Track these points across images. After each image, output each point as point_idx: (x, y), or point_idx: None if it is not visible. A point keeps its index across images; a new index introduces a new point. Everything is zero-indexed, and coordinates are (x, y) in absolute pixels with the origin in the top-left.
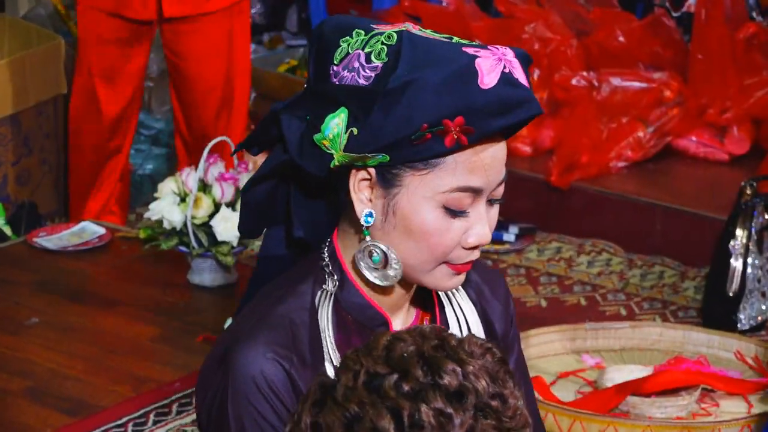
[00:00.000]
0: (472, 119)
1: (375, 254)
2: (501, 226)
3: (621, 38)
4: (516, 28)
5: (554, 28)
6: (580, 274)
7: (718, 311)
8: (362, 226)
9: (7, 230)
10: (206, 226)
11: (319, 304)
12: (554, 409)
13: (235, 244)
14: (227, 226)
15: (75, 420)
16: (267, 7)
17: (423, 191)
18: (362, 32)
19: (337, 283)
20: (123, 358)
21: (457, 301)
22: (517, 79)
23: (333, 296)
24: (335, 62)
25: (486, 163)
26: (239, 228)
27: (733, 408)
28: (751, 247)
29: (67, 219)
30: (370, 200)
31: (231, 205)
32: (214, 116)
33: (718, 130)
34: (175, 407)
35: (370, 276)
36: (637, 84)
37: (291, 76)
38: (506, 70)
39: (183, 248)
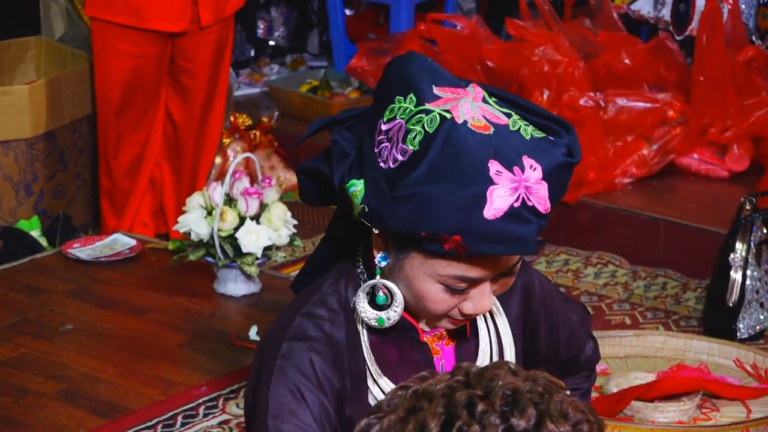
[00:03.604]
0: (468, 240)
1: (381, 294)
2: None
3: (626, 60)
4: (526, 50)
5: (563, 51)
6: (586, 285)
7: (718, 321)
8: (377, 266)
9: (43, 242)
10: (232, 238)
11: (357, 304)
12: None
13: (259, 255)
14: (251, 238)
15: (107, 421)
16: (289, 30)
17: (425, 269)
18: (414, 100)
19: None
20: (152, 362)
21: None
22: (531, 206)
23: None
24: (384, 119)
25: (487, 266)
26: (300, 197)
27: (732, 413)
28: (750, 260)
29: (99, 231)
30: (386, 248)
31: (255, 218)
32: (199, 122)
33: (719, 148)
34: (201, 410)
35: (365, 314)
36: (641, 104)
37: (312, 95)
38: (517, 204)
39: (209, 259)
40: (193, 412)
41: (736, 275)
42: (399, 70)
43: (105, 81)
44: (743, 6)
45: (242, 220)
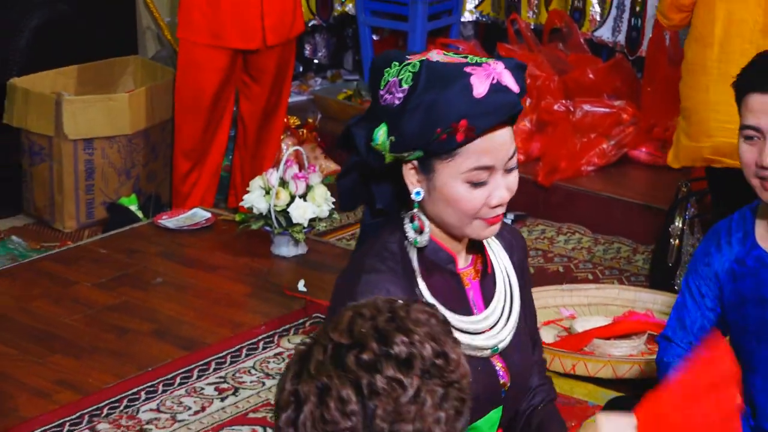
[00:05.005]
0: (473, 120)
1: (415, 222)
2: None
3: (591, 75)
4: None
5: (542, 68)
6: (558, 249)
7: (660, 277)
8: (414, 200)
9: (139, 214)
10: (284, 212)
11: (409, 248)
12: None
13: (305, 225)
14: (300, 212)
15: (188, 353)
16: (329, 51)
17: (450, 173)
18: (397, 63)
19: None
20: (223, 308)
21: (495, 250)
22: (505, 85)
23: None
24: (381, 88)
25: (493, 147)
26: (340, 206)
27: None
28: (685, 230)
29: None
30: (418, 182)
31: (303, 196)
32: (261, 125)
33: (662, 143)
34: (261, 344)
35: (410, 234)
36: (602, 109)
37: (347, 102)
38: (494, 81)
39: (267, 228)
40: (255, 346)
41: (674, 242)
42: (380, 59)
43: (186, 88)
44: (682, 33)
45: (293, 198)
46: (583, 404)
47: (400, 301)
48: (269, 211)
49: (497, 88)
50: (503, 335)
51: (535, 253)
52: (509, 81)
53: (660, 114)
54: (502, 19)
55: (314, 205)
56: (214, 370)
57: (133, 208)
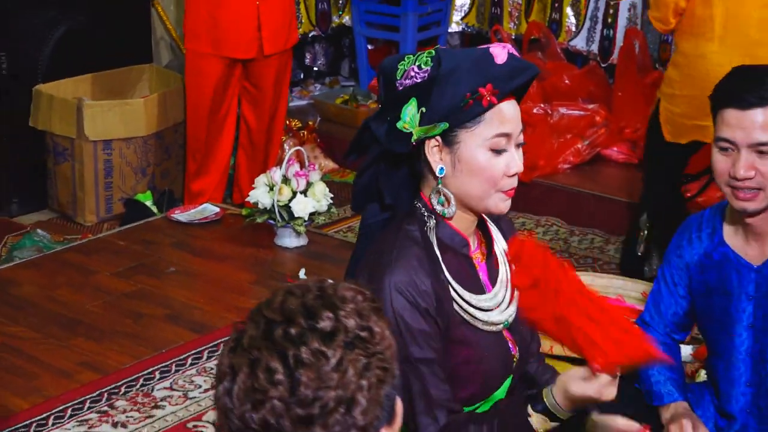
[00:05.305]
0: (497, 84)
1: (441, 196)
2: None
3: (567, 81)
4: None
5: None
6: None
7: (630, 265)
8: (437, 178)
9: (154, 209)
10: (287, 207)
11: (429, 234)
12: None
13: (306, 218)
14: (301, 206)
15: (199, 336)
16: (328, 59)
17: (475, 141)
18: (411, 56)
19: (434, 222)
20: (231, 295)
21: (496, 237)
22: (519, 57)
23: (434, 231)
24: (398, 78)
25: (509, 117)
26: (352, 206)
27: None
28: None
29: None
30: (441, 159)
31: (303, 192)
32: (267, 127)
33: (632, 143)
34: None
35: (438, 208)
36: (577, 112)
37: (344, 106)
38: (511, 51)
39: (271, 221)
40: None
41: (643, 233)
42: (388, 61)
43: (191, 94)
44: (650, 42)
45: (294, 193)
46: None
47: (330, 281)
48: (273, 205)
49: (513, 56)
50: (511, 311)
51: None
52: (519, 54)
53: (630, 116)
54: (486, 30)
55: (314, 200)
56: None
57: (148, 203)
